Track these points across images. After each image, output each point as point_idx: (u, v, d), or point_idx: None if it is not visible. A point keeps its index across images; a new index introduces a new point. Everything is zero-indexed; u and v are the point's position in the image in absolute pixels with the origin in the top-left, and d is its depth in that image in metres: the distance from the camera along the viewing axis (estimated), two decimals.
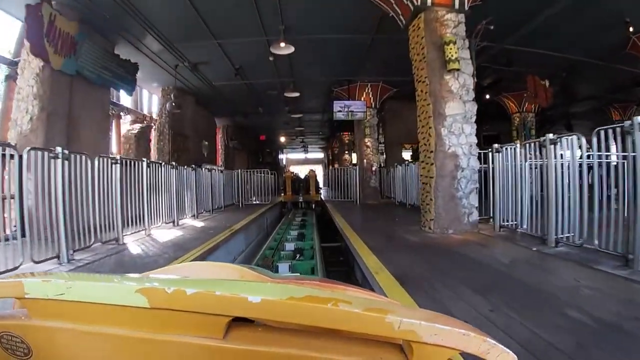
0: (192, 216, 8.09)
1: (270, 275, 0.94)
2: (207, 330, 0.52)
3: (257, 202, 12.48)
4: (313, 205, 13.50)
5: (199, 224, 7.42)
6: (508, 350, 0.48)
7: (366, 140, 11.87)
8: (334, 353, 0.51)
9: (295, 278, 1.05)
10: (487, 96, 14.73)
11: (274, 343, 0.53)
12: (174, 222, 7.06)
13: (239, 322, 0.53)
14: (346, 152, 20.15)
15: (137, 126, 10.06)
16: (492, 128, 18.86)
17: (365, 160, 11.83)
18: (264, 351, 0.52)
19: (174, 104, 9.69)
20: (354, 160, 19.58)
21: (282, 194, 13.85)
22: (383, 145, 15.24)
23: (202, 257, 4.39)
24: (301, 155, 35.96)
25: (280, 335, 0.54)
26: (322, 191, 15.05)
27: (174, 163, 7.16)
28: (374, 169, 11.84)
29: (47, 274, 0.62)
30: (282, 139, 24.98)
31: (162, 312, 0.52)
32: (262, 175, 13.39)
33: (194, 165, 8.26)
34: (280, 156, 32.09)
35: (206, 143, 15.46)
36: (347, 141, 20.06)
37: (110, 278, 0.59)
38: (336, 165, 13.57)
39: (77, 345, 0.56)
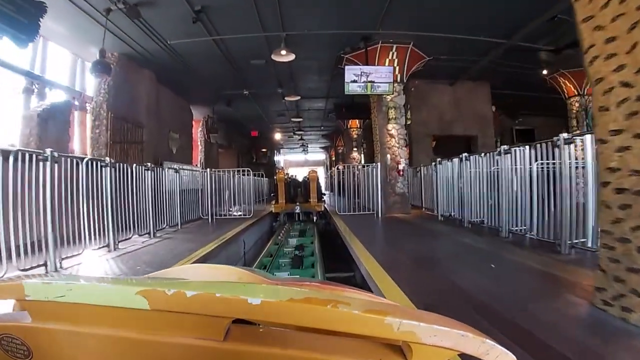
0: (103, 247, 4.60)
1: (269, 277, 0.88)
2: (208, 332, 0.51)
3: (240, 214, 8.95)
4: (315, 218, 9.98)
5: (102, 265, 3.91)
6: (507, 351, 0.47)
7: (390, 127, 8.33)
8: (333, 354, 0.50)
9: (295, 280, 0.99)
10: (545, 72, 11.42)
11: (274, 344, 0.52)
12: (54, 264, 3.57)
13: (239, 323, 0.52)
14: (354, 149, 16.46)
15: (47, 102, 6.58)
16: (527, 122, 15.48)
17: (389, 156, 8.26)
18: (264, 352, 0.51)
19: (99, 64, 6.19)
20: (363, 161, 16.00)
21: (273, 202, 10.28)
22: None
23: None
24: (300, 157, 32.80)
25: (280, 336, 0.54)
26: (324, 198, 11.44)
27: (47, 154, 3.65)
28: (401, 167, 8.29)
29: (47, 276, 0.62)
30: (278, 136, 21.50)
31: (162, 314, 0.51)
32: (247, 176, 9.85)
33: (108, 160, 4.76)
34: (277, 157, 28.56)
35: (176, 136, 11.95)
36: (355, 136, 16.42)
37: (111, 280, 0.60)
38: (340, 166, 9.79)
39: (77, 347, 0.56)
